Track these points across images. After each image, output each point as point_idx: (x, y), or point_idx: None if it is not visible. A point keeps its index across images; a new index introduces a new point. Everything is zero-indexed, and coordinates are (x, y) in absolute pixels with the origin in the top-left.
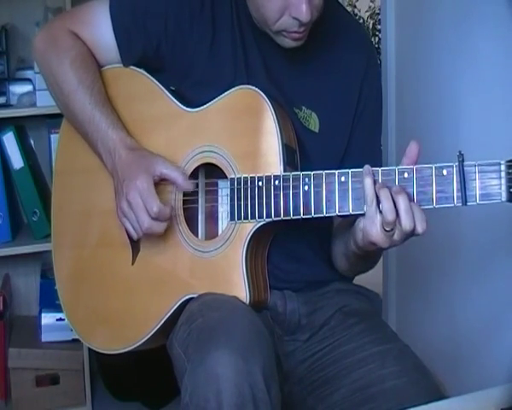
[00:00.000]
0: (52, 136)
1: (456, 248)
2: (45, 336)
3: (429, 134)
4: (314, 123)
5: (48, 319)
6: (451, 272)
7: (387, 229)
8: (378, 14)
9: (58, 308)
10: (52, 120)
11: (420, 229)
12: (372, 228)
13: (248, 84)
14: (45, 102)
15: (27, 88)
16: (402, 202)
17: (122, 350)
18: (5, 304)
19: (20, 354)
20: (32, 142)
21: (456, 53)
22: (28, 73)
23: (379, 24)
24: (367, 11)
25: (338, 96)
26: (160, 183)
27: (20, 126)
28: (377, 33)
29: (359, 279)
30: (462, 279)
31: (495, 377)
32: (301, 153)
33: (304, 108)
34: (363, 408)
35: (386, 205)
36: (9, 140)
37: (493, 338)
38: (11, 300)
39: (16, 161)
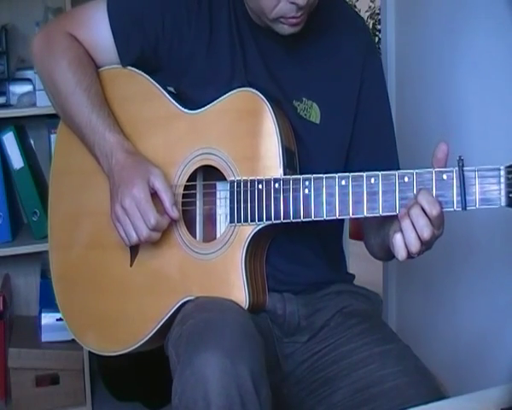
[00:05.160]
0: (52, 136)
1: (458, 247)
2: (45, 336)
3: (430, 133)
4: (315, 114)
5: (48, 319)
6: (452, 272)
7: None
8: (378, 14)
9: (58, 308)
10: (52, 120)
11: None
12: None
13: (247, 80)
14: (45, 102)
15: (27, 88)
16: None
17: (121, 352)
18: (5, 304)
19: (20, 354)
20: (32, 142)
21: (457, 53)
22: (28, 73)
23: (379, 24)
24: (367, 11)
25: (338, 85)
26: None
27: (20, 126)
28: (377, 33)
29: (359, 279)
30: (463, 279)
31: (496, 378)
32: (303, 146)
33: (304, 99)
34: (363, 409)
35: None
36: (9, 140)
37: (495, 339)
38: (11, 300)
39: (16, 161)
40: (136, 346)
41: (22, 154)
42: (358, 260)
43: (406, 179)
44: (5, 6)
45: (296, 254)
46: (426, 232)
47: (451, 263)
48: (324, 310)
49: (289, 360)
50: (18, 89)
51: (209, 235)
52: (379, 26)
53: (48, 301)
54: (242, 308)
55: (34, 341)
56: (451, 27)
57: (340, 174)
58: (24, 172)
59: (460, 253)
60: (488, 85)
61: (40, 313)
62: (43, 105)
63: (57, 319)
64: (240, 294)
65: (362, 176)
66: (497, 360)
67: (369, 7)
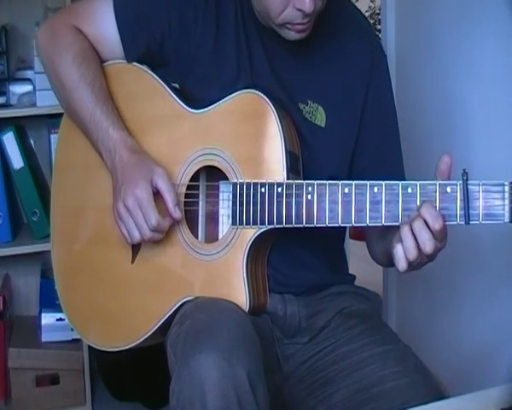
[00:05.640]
0: (52, 136)
1: (459, 248)
2: (45, 336)
3: (430, 134)
4: (320, 117)
5: (48, 319)
6: (453, 273)
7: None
8: (378, 14)
9: (58, 308)
10: (52, 120)
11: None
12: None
13: (252, 81)
14: (45, 102)
15: (27, 88)
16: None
17: (123, 348)
18: (5, 304)
19: (20, 354)
20: (32, 142)
21: (457, 53)
22: (28, 73)
23: (379, 24)
24: (367, 11)
25: (344, 88)
26: None
27: (20, 126)
28: (377, 33)
29: (360, 280)
30: (464, 279)
31: (496, 378)
32: (307, 149)
33: (310, 102)
34: (363, 409)
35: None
36: (9, 140)
37: (496, 340)
38: (11, 300)
39: (16, 161)
40: (138, 342)
41: (22, 154)
42: (359, 261)
43: (410, 190)
44: (5, 6)
45: (297, 257)
46: (428, 246)
47: (452, 263)
48: (325, 311)
49: (290, 360)
50: (18, 89)
51: (211, 235)
52: (379, 26)
53: (48, 301)
54: (241, 309)
55: (34, 341)
56: (451, 26)
57: (343, 181)
58: (24, 172)
59: (461, 253)
60: (489, 83)
61: (40, 313)
62: (43, 105)
63: (57, 319)
64: (240, 296)
65: (365, 184)
66: (497, 360)
67: (369, 7)
